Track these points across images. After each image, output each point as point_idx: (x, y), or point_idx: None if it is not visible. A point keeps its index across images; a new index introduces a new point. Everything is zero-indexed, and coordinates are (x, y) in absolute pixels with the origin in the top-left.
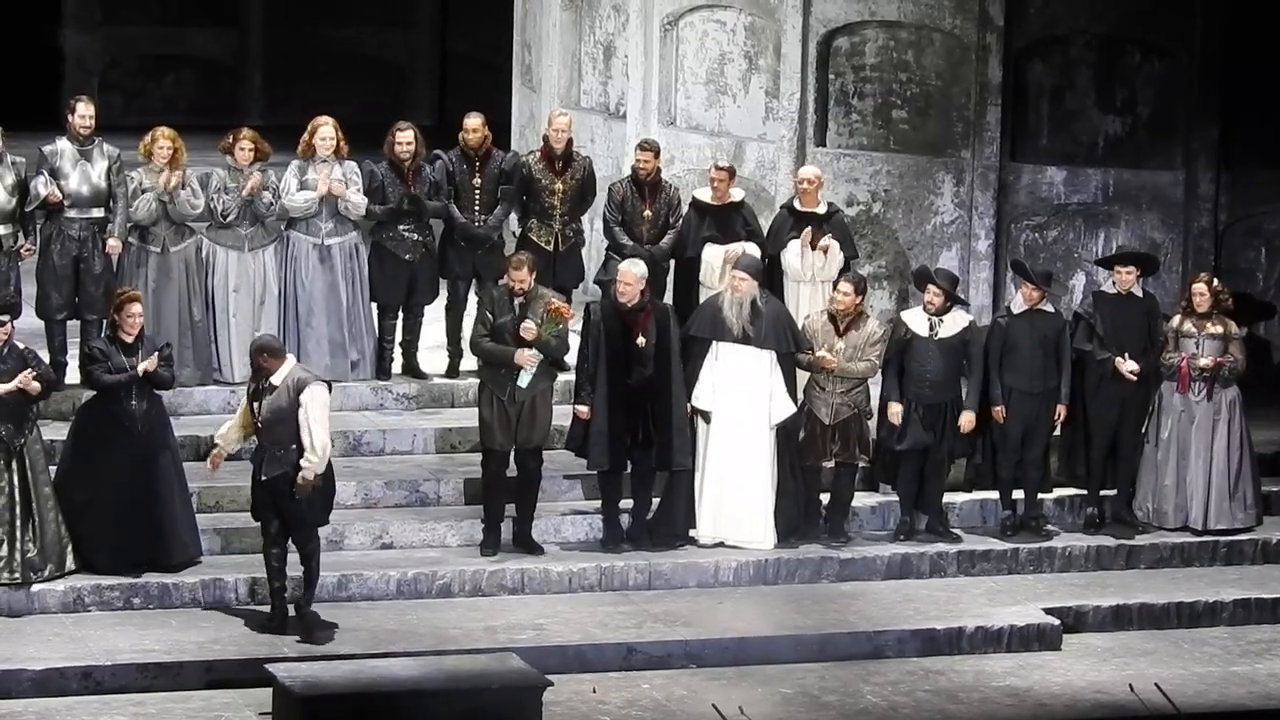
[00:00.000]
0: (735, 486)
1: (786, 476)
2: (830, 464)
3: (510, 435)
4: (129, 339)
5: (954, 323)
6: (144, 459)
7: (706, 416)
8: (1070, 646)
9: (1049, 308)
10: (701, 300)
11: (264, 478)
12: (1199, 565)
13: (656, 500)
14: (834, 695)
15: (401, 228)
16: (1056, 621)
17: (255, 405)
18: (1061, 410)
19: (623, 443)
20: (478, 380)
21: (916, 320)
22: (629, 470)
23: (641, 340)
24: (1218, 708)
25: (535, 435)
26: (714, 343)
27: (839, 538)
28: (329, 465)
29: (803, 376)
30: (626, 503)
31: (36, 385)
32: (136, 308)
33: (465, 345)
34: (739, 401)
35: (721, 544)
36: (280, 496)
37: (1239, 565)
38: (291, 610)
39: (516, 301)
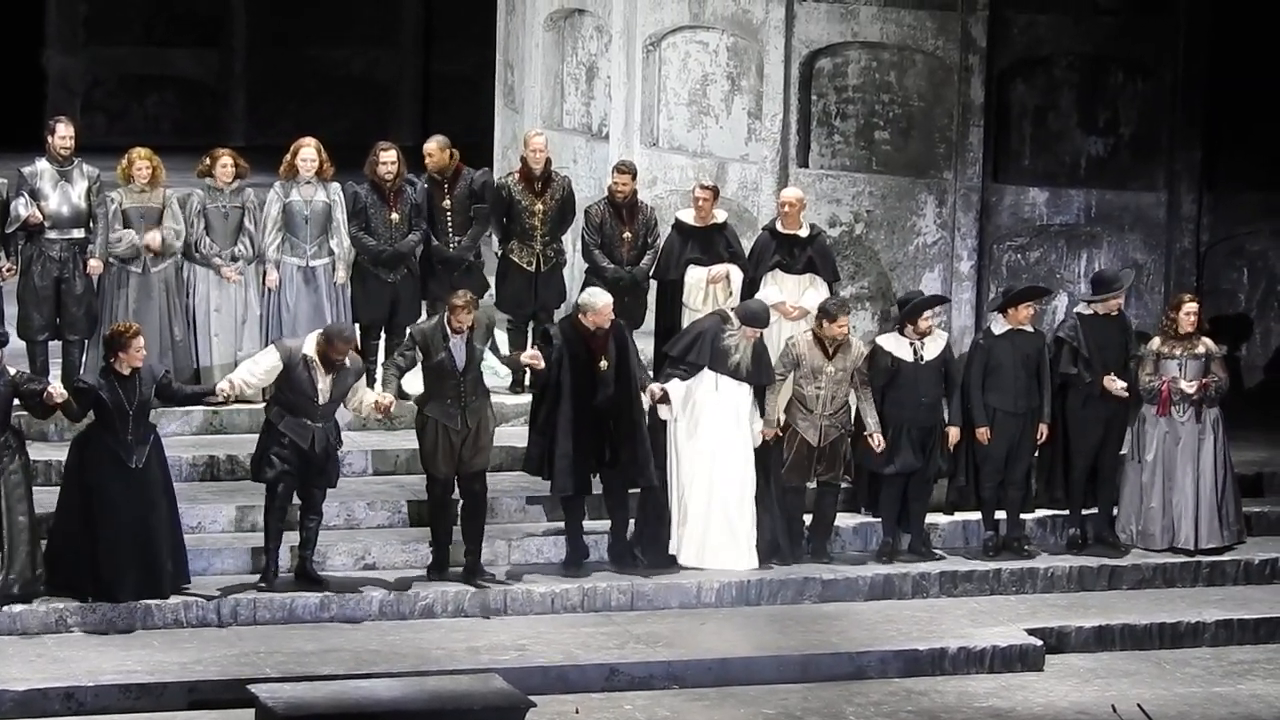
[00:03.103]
0: (717, 516)
1: (771, 494)
2: (813, 484)
3: (453, 462)
4: (126, 372)
5: (934, 345)
6: (139, 492)
7: (666, 398)
8: (1053, 667)
9: (1029, 327)
10: (684, 321)
11: (316, 450)
12: (1181, 586)
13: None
14: (816, 716)
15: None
16: (1039, 642)
17: (305, 381)
18: (1044, 429)
19: (587, 466)
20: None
21: (898, 346)
22: (602, 491)
23: (604, 364)
24: None
25: (478, 460)
26: (704, 369)
27: (821, 558)
28: None
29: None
30: (604, 524)
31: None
32: (140, 341)
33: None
34: (722, 430)
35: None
36: (321, 462)
37: (1221, 586)
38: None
39: (451, 340)
